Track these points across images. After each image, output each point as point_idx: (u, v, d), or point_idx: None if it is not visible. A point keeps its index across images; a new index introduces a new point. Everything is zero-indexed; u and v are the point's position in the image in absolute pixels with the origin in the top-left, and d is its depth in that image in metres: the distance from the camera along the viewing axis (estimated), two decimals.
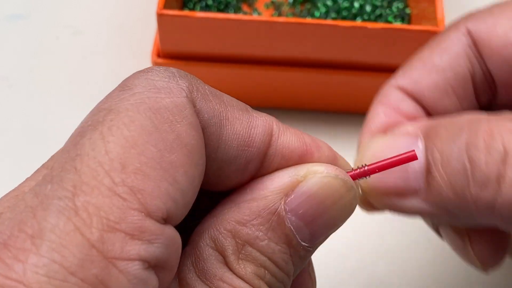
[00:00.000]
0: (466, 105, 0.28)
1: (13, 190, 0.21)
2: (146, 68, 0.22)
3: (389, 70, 0.46)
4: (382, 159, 0.24)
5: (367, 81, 0.47)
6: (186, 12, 0.44)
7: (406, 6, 0.52)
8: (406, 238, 0.43)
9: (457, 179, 0.23)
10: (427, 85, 0.28)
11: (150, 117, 0.20)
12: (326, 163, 0.24)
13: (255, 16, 0.49)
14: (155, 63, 0.46)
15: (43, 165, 0.22)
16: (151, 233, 0.18)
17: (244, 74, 0.46)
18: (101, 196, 0.18)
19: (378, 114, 0.28)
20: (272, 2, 0.53)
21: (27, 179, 0.22)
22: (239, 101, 0.23)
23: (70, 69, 0.53)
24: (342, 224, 0.24)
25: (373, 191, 0.26)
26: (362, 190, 0.26)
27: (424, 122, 0.26)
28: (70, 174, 0.18)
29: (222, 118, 0.22)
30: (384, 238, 0.43)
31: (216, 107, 0.22)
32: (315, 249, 0.24)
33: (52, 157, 0.22)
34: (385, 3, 0.52)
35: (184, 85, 0.21)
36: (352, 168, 0.25)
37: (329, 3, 0.52)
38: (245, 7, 0.53)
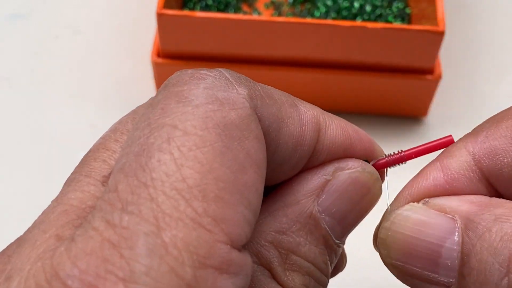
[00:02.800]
0: None
1: (57, 204, 0.19)
2: (198, 73, 0.20)
3: (389, 70, 0.46)
4: (418, 146, 0.23)
5: (367, 81, 0.47)
6: (186, 12, 0.44)
7: (406, 6, 0.52)
8: None
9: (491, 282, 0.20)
10: (509, 162, 0.22)
11: (220, 135, 0.18)
12: (365, 154, 0.23)
13: (255, 16, 0.49)
14: (155, 63, 0.46)
15: (101, 177, 0.20)
16: (236, 265, 0.17)
17: (244, 74, 0.46)
18: (187, 229, 0.17)
19: (429, 176, 0.23)
20: (272, 2, 0.53)
21: (59, 197, 0.20)
22: (286, 94, 0.23)
23: (70, 69, 0.53)
24: (365, 215, 0.24)
25: (397, 270, 0.23)
26: (383, 261, 0.24)
27: (467, 205, 0.22)
28: (148, 203, 0.17)
29: (279, 121, 0.21)
30: None
31: (273, 111, 0.21)
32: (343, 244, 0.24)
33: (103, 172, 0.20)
34: (385, 3, 0.52)
35: (245, 92, 0.20)
36: (386, 155, 0.24)
37: (329, 3, 0.52)
38: (245, 7, 0.53)
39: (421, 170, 0.24)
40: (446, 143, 0.23)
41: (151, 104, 0.19)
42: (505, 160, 0.22)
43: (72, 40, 0.54)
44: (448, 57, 0.52)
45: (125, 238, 0.16)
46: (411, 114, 0.50)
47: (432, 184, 0.23)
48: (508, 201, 0.21)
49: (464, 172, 0.22)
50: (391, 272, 0.23)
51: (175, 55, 0.46)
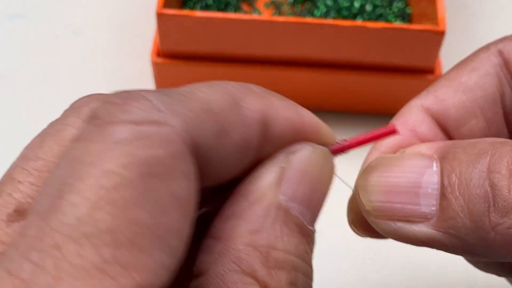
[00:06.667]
0: (495, 129, 0.26)
1: None
2: (126, 104, 0.18)
3: (389, 69, 0.46)
4: (360, 135, 0.24)
5: (367, 81, 0.47)
6: (186, 12, 0.44)
7: (406, 5, 0.52)
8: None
9: (475, 205, 0.21)
10: (453, 104, 0.26)
11: (143, 175, 0.17)
12: (314, 137, 0.24)
13: (255, 16, 0.49)
14: (155, 63, 0.46)
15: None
16: None
17: (244, 74, 0.46)
18: (88, 277, 0.16)
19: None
20: (272, 2, 0.53)
21: None
22: (225, 91, 0.21)
23: (70, 69, 0.52)
24: (328, 194, 0.24)
25: (377, 214, 0.23)
26: (364, 213, 0.24)
27: (441, 143, 0.24)
28: (52, 251, 0.16)
29: (220, 136, 0.20)
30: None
31: (213, 129, 0.20)
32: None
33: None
34: (385, 3, 0.52)
35: (177, 124, 0.18)
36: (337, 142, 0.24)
37: (329, 2, 0.52)
38: (245, 7, 0.53)
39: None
40: (389, 132, 0.24)
41: (76, 139, 0.18)
42: (450, 102, 0.25)
43: (72, 40, 0.54)
44: (448, 57, 0.52)
45: None
46: None
47: (400, 138, 0.25)
48: (475, 140, 0.23)
49: (421, 123, 0.25)
50: (371, 222, 0.24)
51: (175, 55, 0.46)
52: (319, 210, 0.23)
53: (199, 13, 0.43)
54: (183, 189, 0.18)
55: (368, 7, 0.51)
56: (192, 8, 0.51)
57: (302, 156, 0.23)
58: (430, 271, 0.42)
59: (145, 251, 0.16)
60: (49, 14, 0.56)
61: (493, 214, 0.21)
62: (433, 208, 0.22)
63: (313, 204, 0.23)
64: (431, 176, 0.22)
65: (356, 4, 0.51)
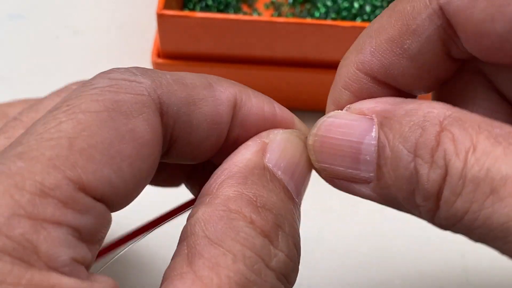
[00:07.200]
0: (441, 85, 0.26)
1: None
2: (108, 70, 0.23)
3: None
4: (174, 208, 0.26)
5: None
6: (186, 12, 0.44)
7: None
8: (405, 239, 0.43)
9: (403, 184, 0.22)
10: (399, 72, 0.25)
11: (107, 107, 0.20)
12: (285, 125, 0.26)
13: (255, 16, 0.49)
14: (155, 63, 0.46)
15: None
16: (83, 205, 0.19)
17: (244, 74, 0.46)
18: (39, 164, 0.18)
19: (341, 92, 0.26)
20: (272, 2, 0.54)
21: None
22: (201, 76, 0.24)
23: (70, 69, 0.53)
24: (308, 177, 0.25)
25: (325, 173, 0.24)
26: (315, 170, 0.25)
27: (382, 104, 0.24)
28: (19, 146, 0.19)
29: (190, 104, 0.23)
30: (383, 239, 0.43)
31: (182, 96, 0.23)
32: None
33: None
34: (385, 4, 0.52)
35: (147, 83, 0.22)
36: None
37: (329, 3, 0.52)
38: (245, 7, 0.53)
39: (332, 88, 0.26)
40: (190, 203, 0.26)
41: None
42: (396, 71, 0.25)
43: (72, 40, 0.54)
44: None
45: None
46: None
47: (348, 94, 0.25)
48: (420, 100, 0.23)
49: (359, 81, 0.25)
50: (320, 176, 0.25)
51: (175, 55, 0.46)
52: (301, 185, 0.24)
53: (199, 14, 0.43)
54: (142, 129, 0.21)
55: (368, 8, 0.51)
56: (193, 9, 0.51)
57: (283, 134, 0.25)
58: (430, 271, 0.42)
59: (96, 162, 0.19)
60: (49, 14, 0.56)
61: (417, 196, 0.21)
62: (371, 175, 0.23)
63: (296, 177, 0.24)
64: (369, 145, 0.23)
65: (356, 5, 0.51)
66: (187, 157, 0.24)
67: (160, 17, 0.43)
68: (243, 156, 0.23)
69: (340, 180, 0.24)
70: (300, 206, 0.24)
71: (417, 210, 0.22)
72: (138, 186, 0.21)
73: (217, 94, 0.24)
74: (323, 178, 0.25)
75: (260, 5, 0.54)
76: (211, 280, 0.19)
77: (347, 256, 0.43)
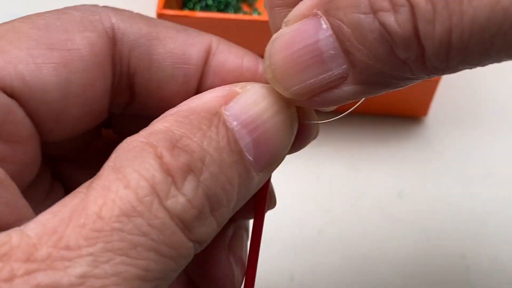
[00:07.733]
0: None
1: None
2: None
3: None
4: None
5: None
6: (186, 12, 0.44)
7: None
8: (405, 239, 0.43)
9: (379, 50, 0.20)
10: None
11: (47, 20, 0.22)
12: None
13: (255, 16, 0.49)
14: None
15: None
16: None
17: None
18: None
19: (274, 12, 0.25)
20: None
21: None
22: (180, 25, 0.24)
23: None
24: (285, 150, 0.23)
25: (300, 98, 0.22)
26: (290, 101, 0.23)
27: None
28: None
29: (151, 38, 0.23)
30: (383, 239, 0.43)
31: (143, 28, 0.23)
32: (262, 181, 0.23)
33: None
34: None
35: (105, 10, 0.23)
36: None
37: None
38: (245, 7, 0.53)
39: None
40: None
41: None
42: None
43: None
44: None
45: None
46: (411, 114, 0.50)
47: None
48: None
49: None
50: (301, 105, 0.23)
51: None
52: (264, 147, 0.22)
53: (199, 14, 0.43)
54: (78, 43, 0.22)
55: None
56: (192, 8, 0.51)
57: (262, 88, 0.23)
58: (430, 271, 0.42)
59: (10, 55, 0.20)
60: None
61: (398, 50, 0.19)
62: (344, 67, 0.21)
63: (257, 135, 0.22)
64: (325, 38, 0.21)
65: None
66: (153, 104, 0.23)
67: (160, 16, 0.43)
68: (201, 98, 0.22)
69: (320, 95, 0.22)
70: (262, 173, 0.22)
71: (407, 67, 0.20)
72: (71, 103, 0.21)
73: (191, 36, 0.24)
74: (303, 105, 0.23)
75: (260, 5, 0.54)
76: (94, 201, 0.18)
77: (347, 256, 0.43)
